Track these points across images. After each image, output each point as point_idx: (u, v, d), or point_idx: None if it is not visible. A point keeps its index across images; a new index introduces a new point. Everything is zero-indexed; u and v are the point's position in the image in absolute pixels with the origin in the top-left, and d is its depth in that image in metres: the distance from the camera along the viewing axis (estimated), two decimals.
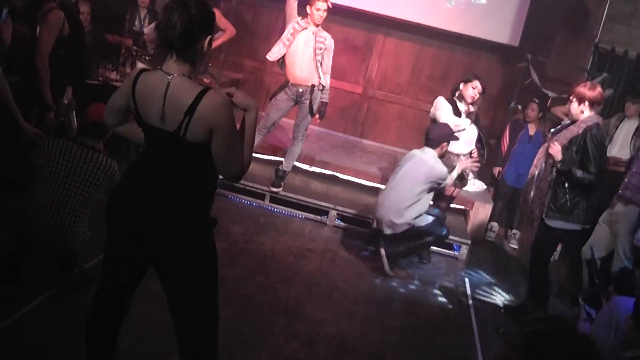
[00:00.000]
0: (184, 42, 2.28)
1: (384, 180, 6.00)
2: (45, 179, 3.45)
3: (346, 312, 4.18)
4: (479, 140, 5.49)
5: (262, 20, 7.84)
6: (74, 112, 4.83)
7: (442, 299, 4.81)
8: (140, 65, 5.88)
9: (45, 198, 3.43)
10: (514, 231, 6.61)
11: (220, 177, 2.42)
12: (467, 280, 5.28)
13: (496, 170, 6.75)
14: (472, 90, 5.33)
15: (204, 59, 2.39)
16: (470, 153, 5.44)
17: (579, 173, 4.09)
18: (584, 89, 4.17)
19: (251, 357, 3.37)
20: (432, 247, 5.59)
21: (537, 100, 6.57)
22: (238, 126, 2.38)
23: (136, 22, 6.03)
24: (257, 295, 4.11)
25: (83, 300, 2.70)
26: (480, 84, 5.33)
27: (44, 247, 3.45)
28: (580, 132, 4.13)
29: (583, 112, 4.17)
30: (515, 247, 6.49)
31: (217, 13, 6.23)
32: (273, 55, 5.57)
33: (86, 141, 3.56)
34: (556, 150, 4.15)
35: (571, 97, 4.21)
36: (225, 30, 6.47)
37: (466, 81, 5.39)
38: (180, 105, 2.24)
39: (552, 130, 4.47)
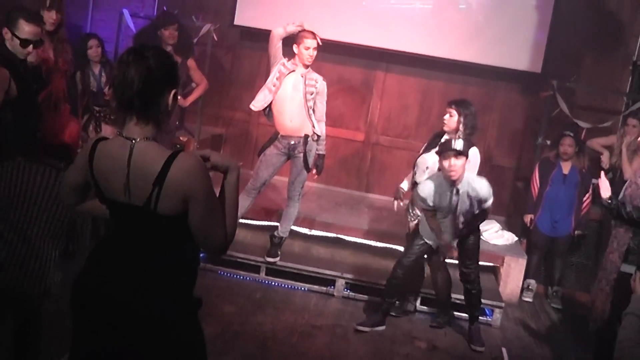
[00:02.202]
0: (145, 100, 2.29)
1: (397, 240, 6.06)
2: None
3: None
4: None
5: (242, 64, 8.06)
6: None
7: None
8: (105, 128, 6.00)
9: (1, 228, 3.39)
10: (556, 288, 6.62)
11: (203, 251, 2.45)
12: (504, 351, 5.29)
13: (527, 218, 6.78)
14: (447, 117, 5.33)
15: (169, 116, 2.42)
16: None
17: None
18: None
19: None
20: (458, 314, 5.66)
21: (572, 134, 6.57)
22: (218, 191, 2.40)
23: (91, 80, 6.15)
24: None
25: None
26: (456, 109, 5.27)
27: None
28: None
29: None
30: (559, 307, 6.49)
31: (192, 64, 6.51)
32: (258, 104, 5.70)
33: (49, 161, 3.55)
34: None
35: None
36: (200, 84, 6.63)
37: None
38: (147, 174, 2.26)
39: None
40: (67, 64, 5.35)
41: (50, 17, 5.05)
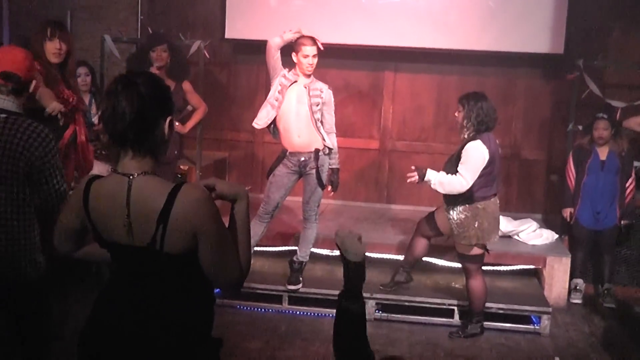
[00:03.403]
0: (139, 132, 2.29)
1: (429, 250, 6.07)
2: None
3: None
4: None
5: (240, 80, 8.14)
6: None
7: None
8: (96, 165, 6.03)
9: None
10: (607, 286, 6.60)
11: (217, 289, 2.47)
12: None
13: (567, 212, 6.75)
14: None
15: (167, 146, 2.43)
16: None
17: None
18: None
19: None
20: (505, 325, 5.68)
21: (605, 116, 6.54)
22: (227, 222, 2.41)
23: None
24: None
25: None
26: (460, 104, 5.35)
27: None
28: None
29: None
30: (613, 306, 6.46)
31: (188, 87, 6.55)
32: (261, 121, 5.74)
33: None
34: None
35: None
36: (198, 108, 6.65)
37: None
38: (149, 211, 2.25)
39: None
40: (81, 100, 5.21)
41: (53, 47, 4.81)
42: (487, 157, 5.18)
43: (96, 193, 2.35)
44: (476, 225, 5.26)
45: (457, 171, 5.20)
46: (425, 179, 5.25)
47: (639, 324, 5.84)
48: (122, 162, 2.34)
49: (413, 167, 5.34)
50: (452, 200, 5.36)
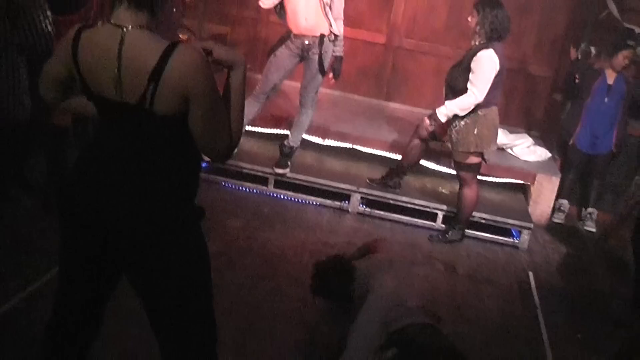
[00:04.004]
0: None
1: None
2: None
3: None
4: None
5: None
6: None
7: (501, 300, 4.84)
8: None
9: None
10: (591, 210, 6.64)
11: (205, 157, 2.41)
12: (531, 276, 5.33)
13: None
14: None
15: (165, 3, 2.33)
16: None
17: None
18: None
19: None
20: (485, 235, 5.71)
21: (633, 44, 6.32)
22: (222, 90, 2.34)
23: None
24: (264, 304, 4.18)
25: (35, 327, 2.78)
26: (475, 9, 5.19)
27: None
28: None
29: None
30: (593, 230, 6.52)
31: None
32: (267, 1, 5.60)
33: None
34: None
35: None
36: None
37: None
38: (141, 68, 2.17)
39: None
40: None
41: None
42: (498, 67, 5.06)
43: (86, 42, 2.24)
44: (475, 132, 5.18)
45: (469, 82, 5.07)
46: (441, 118, 5.25)
47: (613, 252, 5.87)
48: (116, 12, 2.22)
49: (426, 121, 5.41)
50: None
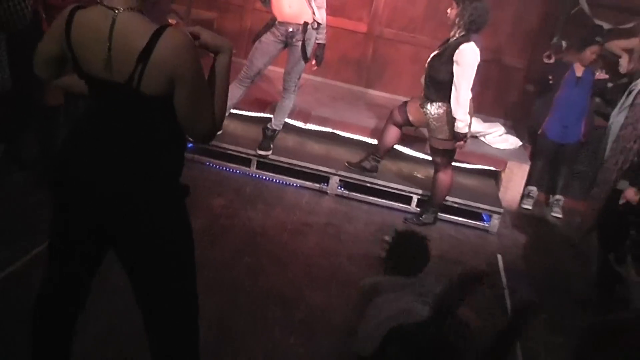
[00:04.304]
0: None
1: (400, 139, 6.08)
2: None
3: (354, 297, 4.26)
4: None
5: None
6: None
7: None
8: None
9: None
10: (558, 197, 6.73)
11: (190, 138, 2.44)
12: (500, 258, 5.41)
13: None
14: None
15: None
16: None
17: None
18: None
19: (242, 356, 3.47)
20: (457, 218, 5.83)
21: (600, 40, 6.44)
22: (207, 74, 2.36)
23: None
24: (245, 281, 4.21)
25: (25, 298, 2.74)
26: (454, 1, 5.22)
27: None
28: None
29: None
30: (559, 216, 6.62)
31: None
32: None
33: None
34: None
35: None
36: None
37: None
38: (130, 49, 2.19)
39: None
40: None
41: None
42: (479, 59, 5.14)
43: (79, 23, 2.27)
44: (452, 120, 5.25)
45: (458, 78, 5.12)
46: (464, 131, 5.26)
47: (577, 236, 5.98)
48: None
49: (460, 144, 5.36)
50: (431, 95, 5.35)
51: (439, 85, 5.25)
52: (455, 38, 5.20)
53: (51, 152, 4.81)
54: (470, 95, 5.20)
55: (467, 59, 5.11)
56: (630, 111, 5.63)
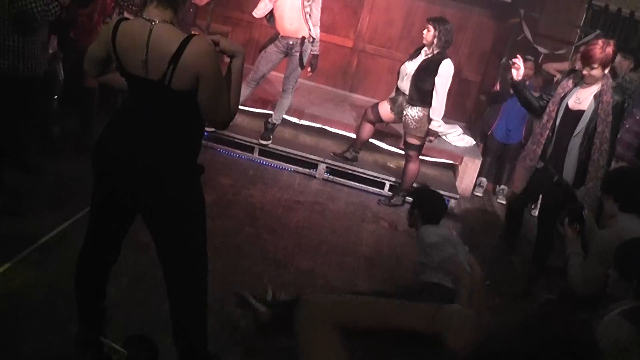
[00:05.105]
0: None
1: (374, 135, 5.99)
2: None
3: (335, 263, 4.22)
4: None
5: None
6: (61, 63, 4.74)
7: None
8: (127, 16, 5.73)
9: None
10: (502, 187, 6.66)
11: (207, 128, 2.41)
12: (455, 234, 5.31)
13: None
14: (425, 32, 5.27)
15: (186, 3, 2.37)
16: None
17: None
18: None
19: (240, 306, 3.39)
20: None
21: (532, 58, 6.43)
22: (224, 73, 2.36)
23: None
24: (246, 246, 4.14)
25: (72, 251, 2.72)
26: (432, 24, 5.15)
27: None
28: None
29: None
30: (503, 202, 6.53)
31: None
32: (259, 12, 5.57)
33: None
34: None
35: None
36: None
37: None
38: (164, 53, 2.21)
39: None
40: None
41: None
42: (453, 71, 5.17)
43: (123, 31, 2.29)
44: (428, 122, 5.23)
45: (439, 86, 5.11)
46: (437, 129, 5.30)
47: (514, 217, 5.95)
48: (148, 9, 2.28)
49: (431, 138, 5.43)
50: (415, 101, 5.26)
51: (424, 93, 5.19)
52: (431, 55, 5.16)
53: (89, 125, 4.96)
54: (445, 101, 5.19)
55: (447, 72, 5.12)
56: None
